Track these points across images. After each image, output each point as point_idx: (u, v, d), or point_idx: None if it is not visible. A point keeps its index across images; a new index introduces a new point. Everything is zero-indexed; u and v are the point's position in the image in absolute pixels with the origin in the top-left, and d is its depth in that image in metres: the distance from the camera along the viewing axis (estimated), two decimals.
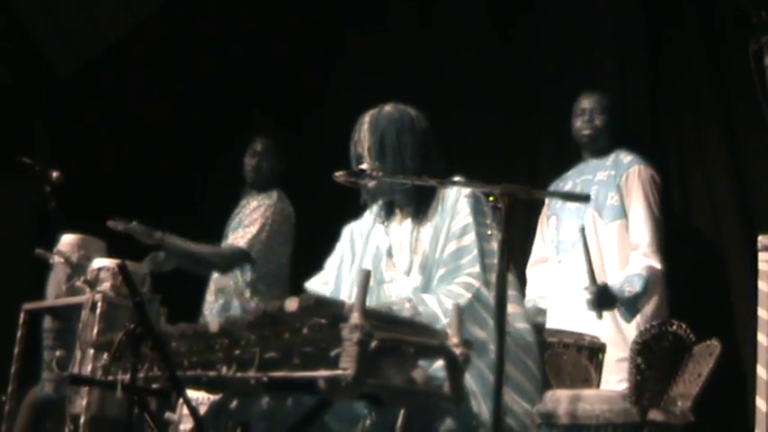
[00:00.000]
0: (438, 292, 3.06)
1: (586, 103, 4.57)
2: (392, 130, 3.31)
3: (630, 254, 4.25)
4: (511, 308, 3.05)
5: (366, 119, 3.36)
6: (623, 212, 4.33)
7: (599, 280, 4.05)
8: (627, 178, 4.37)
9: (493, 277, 3.05)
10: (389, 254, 3.36)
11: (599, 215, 4.37)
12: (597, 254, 4.30)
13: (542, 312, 4.33)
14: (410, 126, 3.34)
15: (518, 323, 3.10)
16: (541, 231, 4.68)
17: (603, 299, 4.03)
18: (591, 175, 4.51)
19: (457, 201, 3.25)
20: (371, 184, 3.26)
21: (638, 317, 4.14)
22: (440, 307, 2.98)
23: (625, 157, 4.46)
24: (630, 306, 4.10)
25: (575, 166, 4.69)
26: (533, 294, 4.48)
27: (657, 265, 4.18)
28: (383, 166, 3.24)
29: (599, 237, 4.34)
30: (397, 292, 3.22)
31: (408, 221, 3.37)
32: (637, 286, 4.09)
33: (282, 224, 5.06)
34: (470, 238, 3.15)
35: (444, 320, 2.90)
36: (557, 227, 4.52)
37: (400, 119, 3.34)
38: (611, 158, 4.50)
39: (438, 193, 3.33)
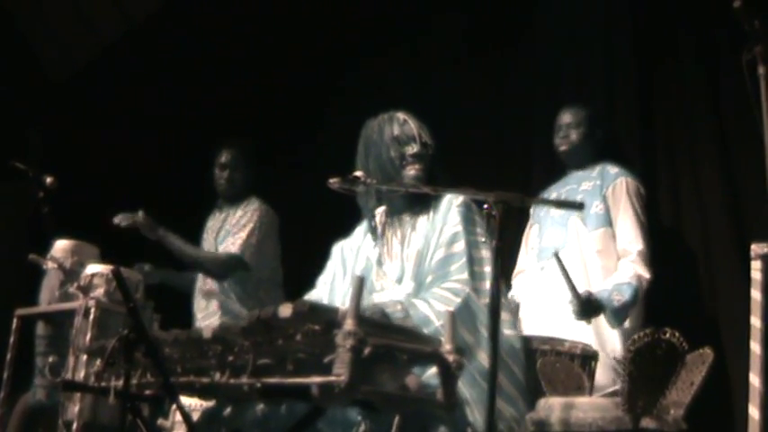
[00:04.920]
0: (427, 296, 3.08)
1: (564, 118, 4.65)
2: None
3: (620, 261, 4.29)
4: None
5: (408, 115, 3.49)
6: (607, 221, 4.37)
7: (581, 291, 4.08)
8: (614, 189, 4.42)
9: (481, 285, 3.11)
10: (380, 263, 3.37)
11: (582, 223, 4.41)
12: (580, 261, 4.34)
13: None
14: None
15: (506, 330, 3.12)
16: (526, 242, 4.71)
17: (588, 308, 4.07)
18: (576, 184, 4.55)
19: (449, 210, 3.28)
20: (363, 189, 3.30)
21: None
22: (431, 310, 3.00)
23: (612, 169, 4.51)
24: (619, 314, 4.13)
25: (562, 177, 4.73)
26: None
27: (646, 275, 4.22)
28: (434, 158, 3.41)
29: (581, 244, 4.38)
30: (387, 300, 3.22)
31: (399, 230, 3.39)
32: (626, 294, 4.12)
33: (270, 227, 5.08)
34: (460, 246, 3.18)
35: (437, 323, 2.94)
36: (539, 234, 4.56)
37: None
38: (596, 170, 4.55)
39: (430, 202, 3.35)
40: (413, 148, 3.37)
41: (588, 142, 4.62)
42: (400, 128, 3.40)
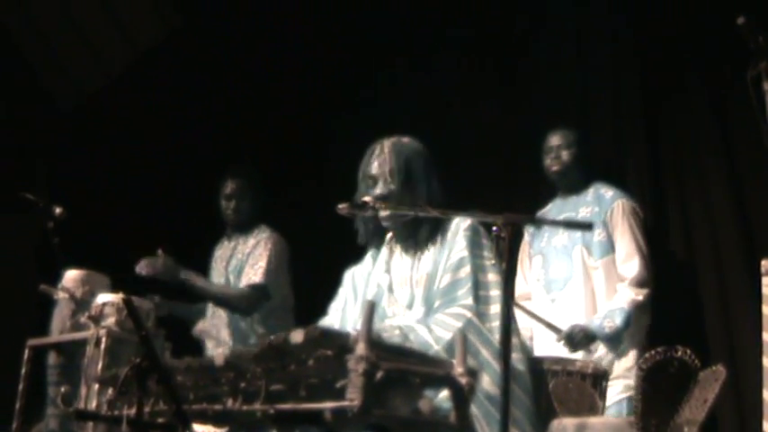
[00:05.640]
0: (429, 321, 3.08)
1: (553, 140, 4.69)
2: (419, 160, 3.38)
3: (618, 285, 4.37)
4: None
5: (387, 144, 3.40)
6: (611, 248, 4.43)
7: (574, 324, 4.26)
8: (611, 213, 4.46)
9: (487, 309, 3.12)
10: (390, 289, 3.38)
11: (588, 252, 4.45)
12: (588, 290, 4.39)
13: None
14: (429, 159, 3.42)
15: (512, 353, 3.12)
16: (522, 270, 4.73)
17: (576, 340, 4.23)
18: (573, 212, 4.57)
19: (456, 234, 3.28)
20: (384, 213, 3.29)
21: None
22: (431, 335, 3.01)
23: (606, 192, 4.54)
24: (612, 340, 4.25)
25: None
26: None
27: (639, 297, 4.30)
28: (404, 191, 3.31)
29: (590, 273, 4.41)
30: (386, 324, 3.22)
31: (408, 256, 3.39)
32: (617, 320, 4.24)
33: (282, 255, 5.07)
34: (466, 270, 3.18)
35: (436, 347, 2.97)
36: (543, 266, 4.57)
37: (423, 151, 3.43)
38: (590, 193, 4.59)
39: (438, 226, 3.35)
40: (377, 189, 3.35)
41: (580, 163, 4.66)
42: (370, 166, 3.38)
